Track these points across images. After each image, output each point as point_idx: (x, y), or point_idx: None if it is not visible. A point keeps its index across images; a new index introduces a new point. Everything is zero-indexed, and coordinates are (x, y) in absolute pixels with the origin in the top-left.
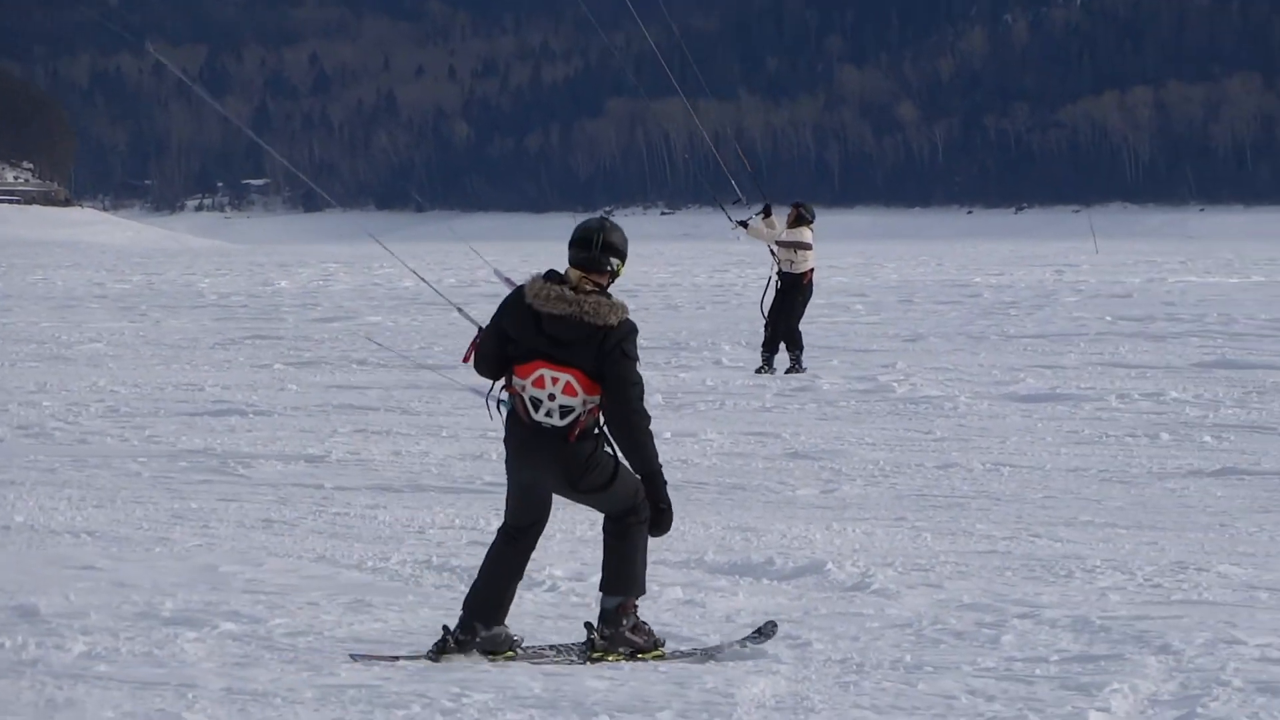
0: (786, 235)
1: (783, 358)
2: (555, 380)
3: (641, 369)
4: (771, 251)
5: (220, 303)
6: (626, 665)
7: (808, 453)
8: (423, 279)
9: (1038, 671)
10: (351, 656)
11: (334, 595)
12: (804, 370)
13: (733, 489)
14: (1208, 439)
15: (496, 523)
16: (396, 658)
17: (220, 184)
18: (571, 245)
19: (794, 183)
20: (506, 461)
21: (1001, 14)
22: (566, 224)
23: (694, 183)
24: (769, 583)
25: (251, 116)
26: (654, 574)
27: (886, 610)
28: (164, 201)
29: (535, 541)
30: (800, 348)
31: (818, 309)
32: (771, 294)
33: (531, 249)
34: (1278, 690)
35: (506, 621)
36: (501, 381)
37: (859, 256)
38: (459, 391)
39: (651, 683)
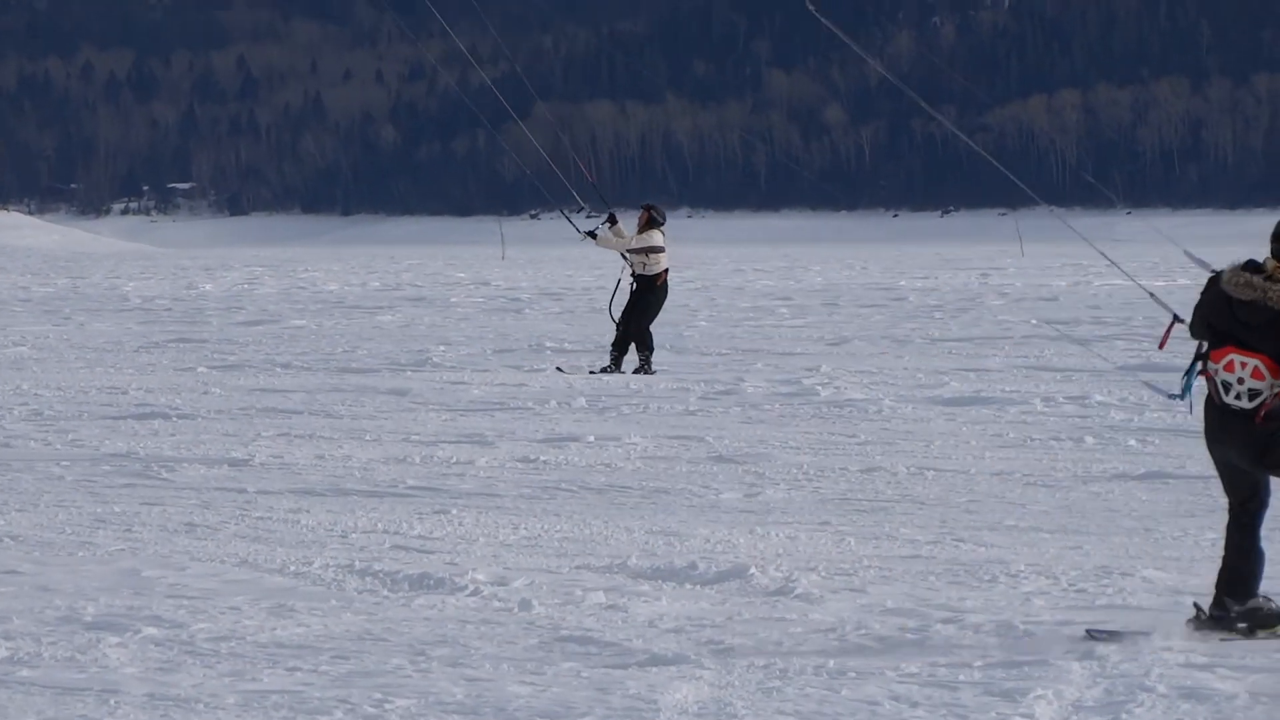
0: (637, 242)
1: (632, 359)
2: (1244, 364)
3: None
4: (623, 256)
5: (144, 306)
6: (549, 671)
7: (731, 456)
8: (1138, 283)
9: (961, 677)
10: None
11: (257, 600)
12: (653, 372)
13: (656, 493)
14: (1132, 443)
15: (420, 527)
16: None
17: (146, 188)
18: (1273, 238)
19: (721, 186)
20: (1207, 442)
21: (929, 17)
22: (489, 227)
23: (621, 185)
24: (692, 587)
25: (179, 120)
26: (576, 579)
27: (810, 615)
28: (90, 205)
29: (1257, 516)
30: (650, 349)
31: (742, 312)
32: (623, 296)
33: (456, 253)
34: (1202, 696)
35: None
36: (1198, 365)
37: (784, 260)
38: (382, 394)
39: (574, 688)
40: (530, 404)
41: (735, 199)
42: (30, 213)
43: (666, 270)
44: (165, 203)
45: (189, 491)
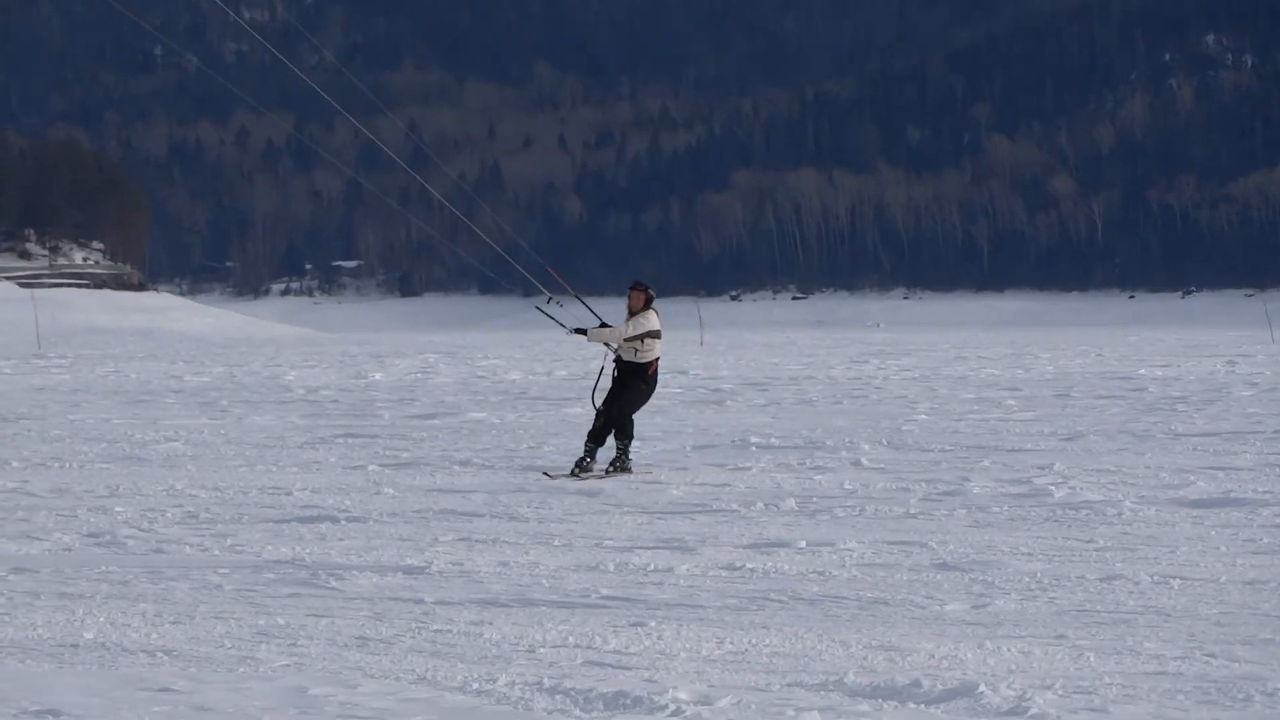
0: (632, 327)
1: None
2: None
3: (772, 470)
4: (607, 346)
5: (309, 397)
6: None
7: (957, 563)
8: None
9: None
10: None
11: None
12: (629, 469)
13: (874, 603)
14: None
15: (615, 641)
16: None
17: (309, 265)
18: None
19: (939, 264)
20: None
21: (1165, 79)
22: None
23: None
24: (916, 707)
25: (343, 192)
26: (788, 697)
27: None
28: (247, 285)
29: None
30: (629, 437)
31: (965, 404)
32: (606, 382)
33: None
34: None
35: None
36: None
37: (1010, 346)
38: (572, 495)
39: None
40: (734, 506)
41: (954, 278)
42: (182, 293)
43: (658, 359)
44: (329, 282)
45: (360, 602)
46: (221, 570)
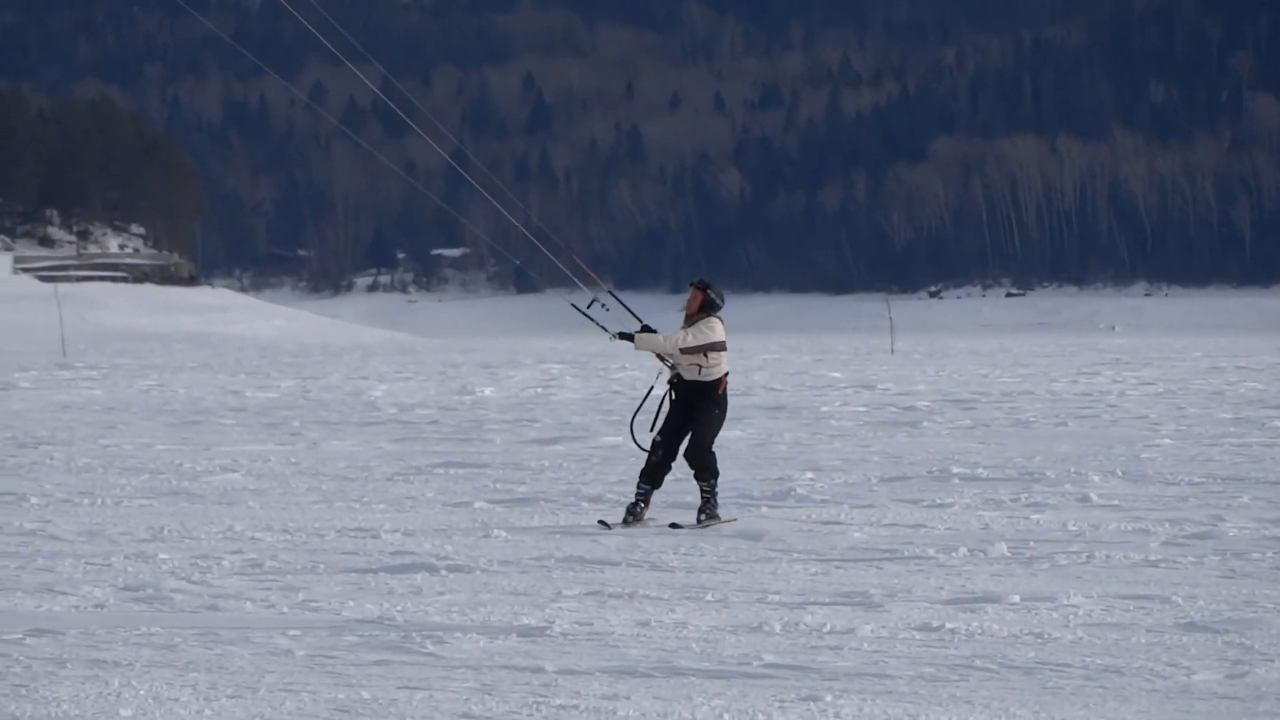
0: (693, 337)
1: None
2: None
3: (979, 507)
4: (660, 359)
5: (401, 417)
6: None
7: (1208, 623)
8: None
9: None
10: None
11: None
12: (720, 518)
13: (1105, 672)
14: None
15: (781, 718)
16: None
17: (401, 255)
18: None
19: (1190, 253)
20: None
21: None
22: (873, 309)
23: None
24: None
25: (445, 165)
26: None
27: None
28: (324, 279)
29: None
30: (713, 474)
31: (1220, 426)
32: (664, 406)
33: (827, 344)
34: None
35: None
36: None
37: (1278, 354)
38: (728, 539)
39: None
40: (931, 551)
41: (1209, 270)
42: (243, 289)
43: (727, 375)
44: (427, 275)
45: (464, 671)
46: (291, 632)
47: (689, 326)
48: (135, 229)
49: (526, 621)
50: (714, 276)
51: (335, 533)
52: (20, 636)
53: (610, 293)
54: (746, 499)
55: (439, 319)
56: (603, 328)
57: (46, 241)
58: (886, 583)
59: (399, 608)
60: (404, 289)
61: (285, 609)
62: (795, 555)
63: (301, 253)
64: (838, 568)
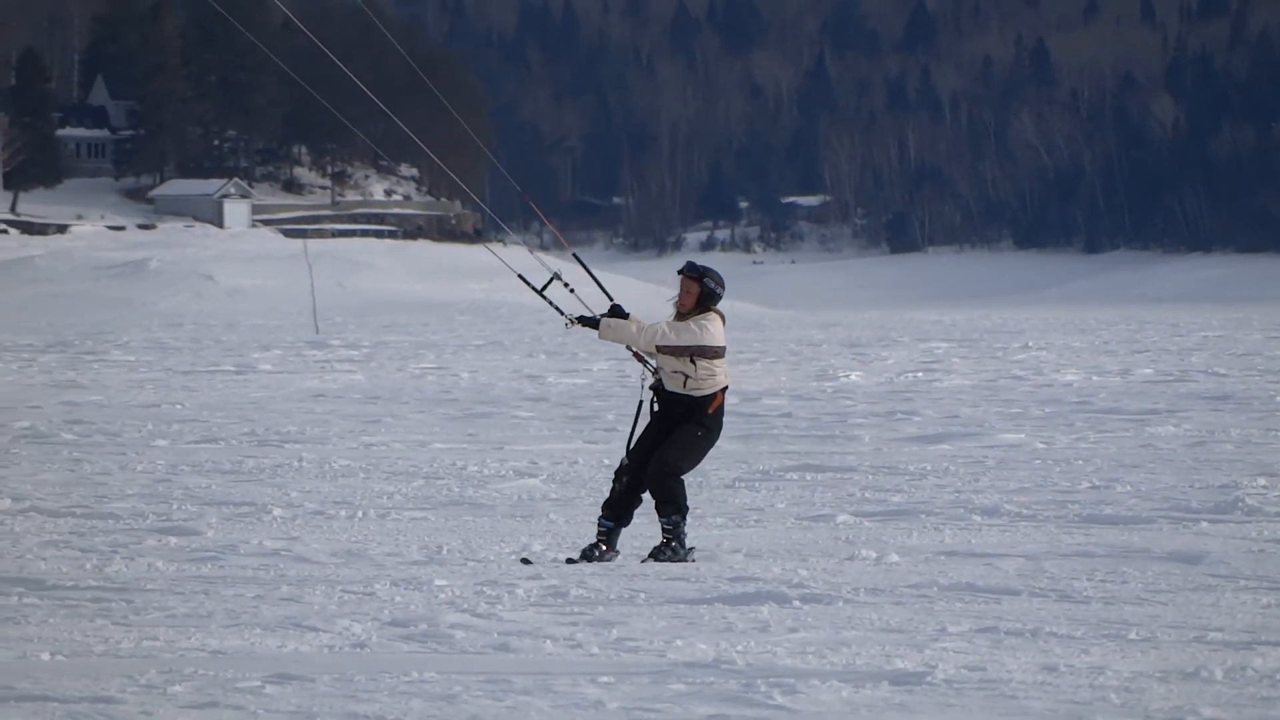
0: (675, 335)
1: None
2: None
3: None
4: (641, 360)
5: (743, 409)
6: None
7: None
8: None
9: None
10: None
11: None
12: (684, 557)
13: None
14: None
15: None
16: None
17: (745, 204)
18: None
19: None
20: None
21: None
22: None
23: None
24: None
25: (798, 85)
26: None
27: None
28: (646, 234)
29: None
30: (680, 511)
31: None
32: (640, 417)
33: None
34: None
35: None
36: None
37: None
38: (1159, 560)
39: None
40: None
41: None
42: (543, 247)
43: (725, 389)
44: (778, 230)
45: None
46: (603, 679)
47: (674, 321)
48: (405, 171)
49: (901, 665)
50: (1142, 230)
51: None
52: (259, 684)
53: (575, 256)
54: (1182, 512)
55: (792, 285)
56: (558, 310)
57: (293, 186)
58: None
59: (739, 648)
60: (747, 246)
61: (595, 649)
62: (1242, 582)
63: (617, 201)
64: None
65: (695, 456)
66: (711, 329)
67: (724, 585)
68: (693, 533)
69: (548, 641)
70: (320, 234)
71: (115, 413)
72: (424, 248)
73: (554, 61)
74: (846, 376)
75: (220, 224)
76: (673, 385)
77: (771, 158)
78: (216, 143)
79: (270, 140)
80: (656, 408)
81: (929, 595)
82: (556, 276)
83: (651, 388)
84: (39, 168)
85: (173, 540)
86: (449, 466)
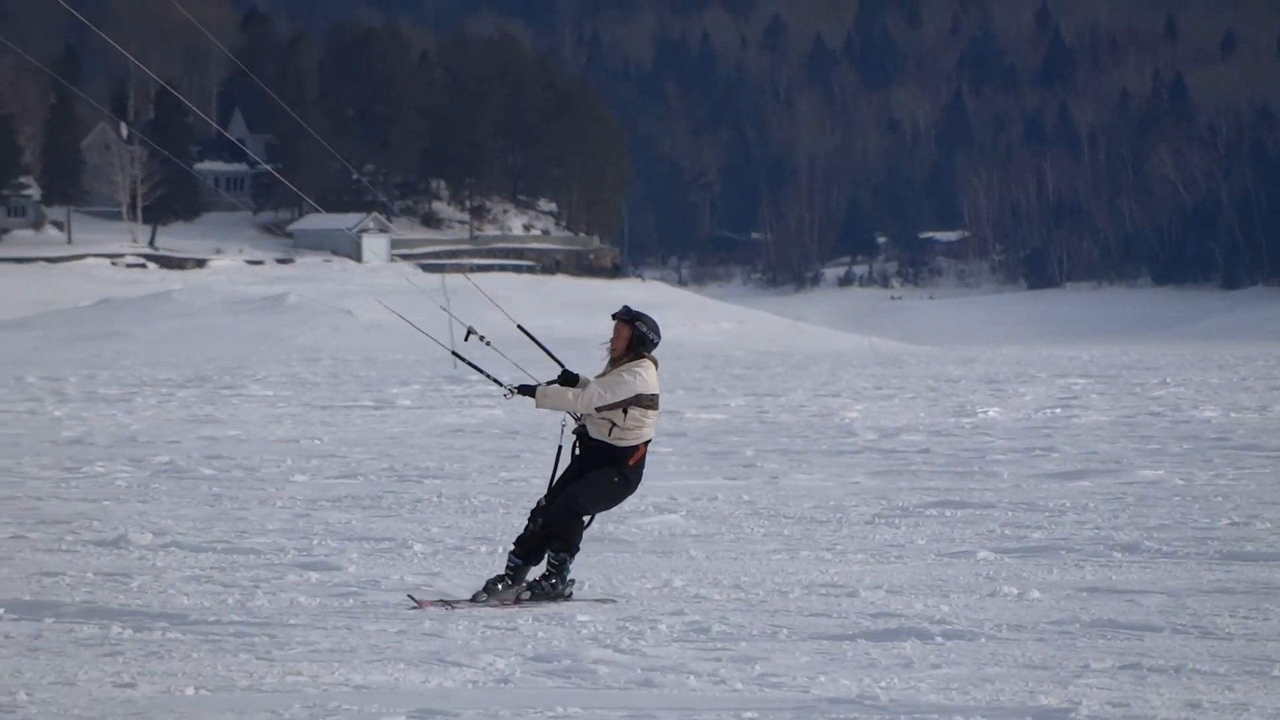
0: (610, 393)
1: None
2: None
3: None
4: (572, 416)
5: (881, 444)
6: None
7: None
8: None
9: None
10: None
11: None
12: (563, 594)
13: None
14: None
15: None
16: None
17: (882, 239)
18: None
19: None
20: None
21: None
22: None
23: None
24: None
25: (938, 117)
26: None
27: None
28: (784, 269)
29: None
30: (571, 549)
31: None
32: (561, 459)
33: None
34: None
35: None
36: None
37: None
38: None
39: None
40: None
41: None
42: (681, 282)
43: (648, 443)
44: (915, 265)
45: None
46: (747, 715)
47: (610, 371)
48: (544, 205)
49: (1045, 702)
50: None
51: (801, 589)
52: (403, 719)
53: (520, 327)
54: None
55: (929, 320)
56: (495, 381)
57: (431, 221)
58: None
59: (883, 684)
60: (885, 282)
61: (739, 685)
62: None
63: (755, 236)
64: None
65: (605, 502)
66: (645, 376)
67: (866, 621)
68: (833, 569)
69: (691, 677)
70: (459, 269)
71: (254, 448)
72: (562, 282)
73: (691, 95)
74: (985, 412)
75: (359, 258)
76: (597, 432)
77: (909, 193)
78: (355, 177)
79: (409, 174)
80: (578, 452)
81: (1071, 632)
82: (472, 331)
83: (575, 431)
84: (178, 202)
85: (314, 575)
86: None
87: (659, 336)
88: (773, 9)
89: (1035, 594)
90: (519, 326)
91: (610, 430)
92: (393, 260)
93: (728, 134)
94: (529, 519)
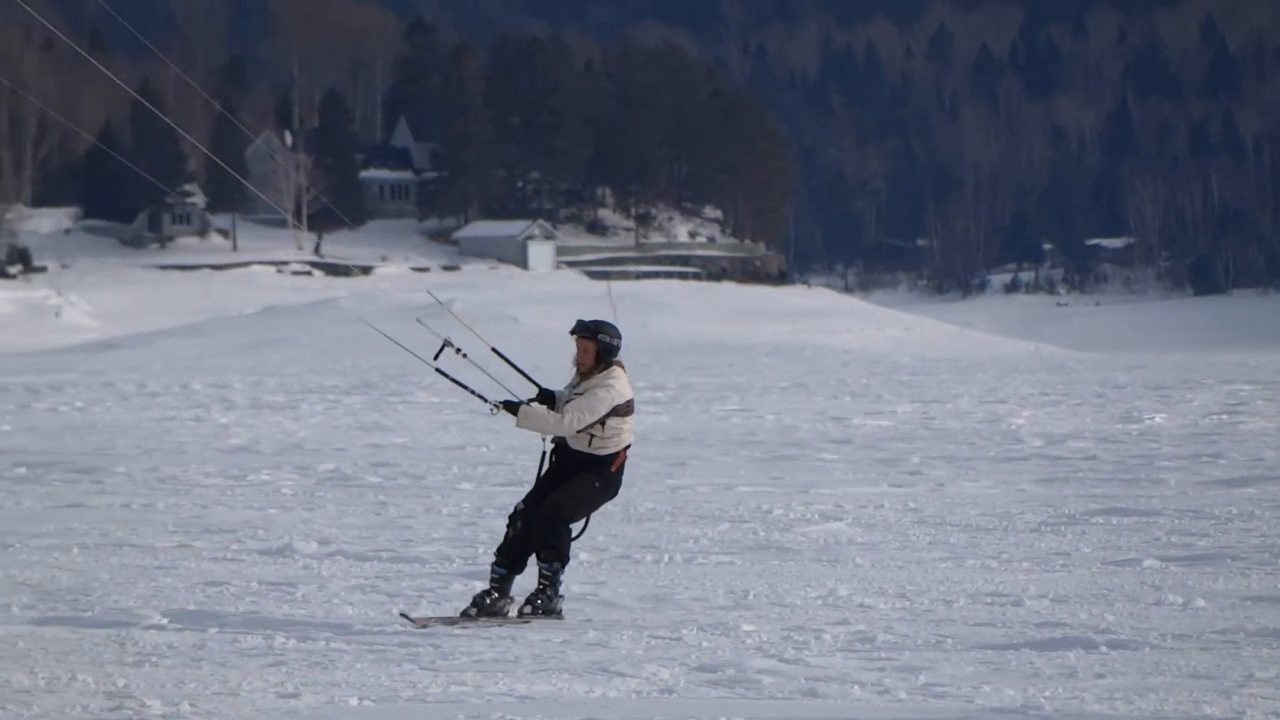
0: (589, 414)
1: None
2: None
3: None
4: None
5: (1048, 451)
6: None
7: None
8: None
9: None
10: None
11: None
12: (557, 609)
13: None
14: None
15: None
16: None
17: (1048, 245)
18: None
19: None
20: None
21: None
22: None
23: None
24: None
25: (1103, 125)
26: None
27: None
28: (951, 276)
29: None
30: (563, 560)
31: None
32: (543, 466)
33: None
34: None
35: None
36: None
37: None
38: None
39: None
40: None
41: None
42: (848, 289)
43: (628, 447)
44: (1081, 271)
45: None
46: None
47: (582, 389)
48: (709, 212)
49: (1210, 711)
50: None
51: (966, 598)
52: None
53: (494, 350)
54: None
55: (1096, 327)
56: (480, 397)
57: (597, 228)
58: None
59: (1047, 694)
60: (1051, 289)
61: (903, 695)
62: None
63: (921, 243)
64: None
65: (588, 507)
66: (618, 386)
67: (1030, 630)
68: (999, 577)
69: (855, 687)
70: (624, 275)
71: (420, 455)
72: (728, 289)
73: (856, 104)
74: (1151, 419)
75: (524, 265)
76: (577, 445)
77: (1075, 200)
78: (520, 184)
79: (574, 182)
80: (556, 460)
81: (1236, 641)
82: (448, 343)
83: (554, 441)
84: (343, 209)
85: (479, 585)
86: (754, 510)
87: (621, 339)
88: (938, 19)
89: (1200, 603)
90: (494, 349)
91: (590, 441)
92: (559, 267)
93: (893, 143)
94: (508, 524)
